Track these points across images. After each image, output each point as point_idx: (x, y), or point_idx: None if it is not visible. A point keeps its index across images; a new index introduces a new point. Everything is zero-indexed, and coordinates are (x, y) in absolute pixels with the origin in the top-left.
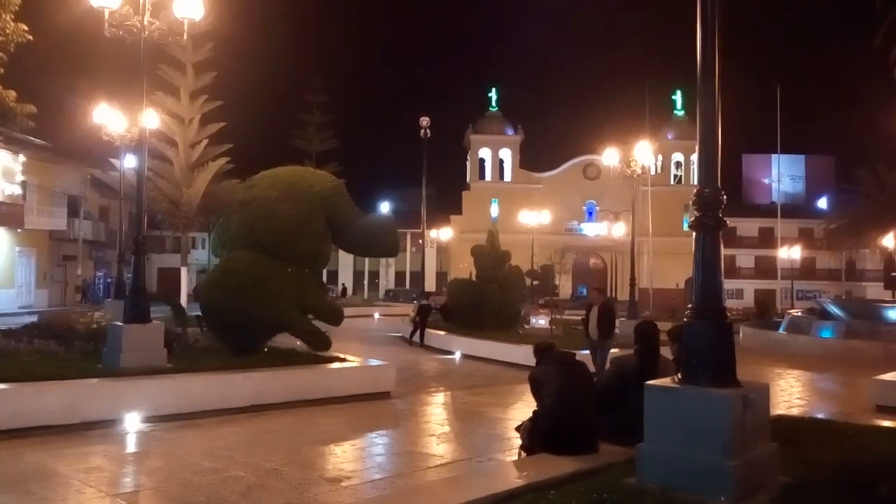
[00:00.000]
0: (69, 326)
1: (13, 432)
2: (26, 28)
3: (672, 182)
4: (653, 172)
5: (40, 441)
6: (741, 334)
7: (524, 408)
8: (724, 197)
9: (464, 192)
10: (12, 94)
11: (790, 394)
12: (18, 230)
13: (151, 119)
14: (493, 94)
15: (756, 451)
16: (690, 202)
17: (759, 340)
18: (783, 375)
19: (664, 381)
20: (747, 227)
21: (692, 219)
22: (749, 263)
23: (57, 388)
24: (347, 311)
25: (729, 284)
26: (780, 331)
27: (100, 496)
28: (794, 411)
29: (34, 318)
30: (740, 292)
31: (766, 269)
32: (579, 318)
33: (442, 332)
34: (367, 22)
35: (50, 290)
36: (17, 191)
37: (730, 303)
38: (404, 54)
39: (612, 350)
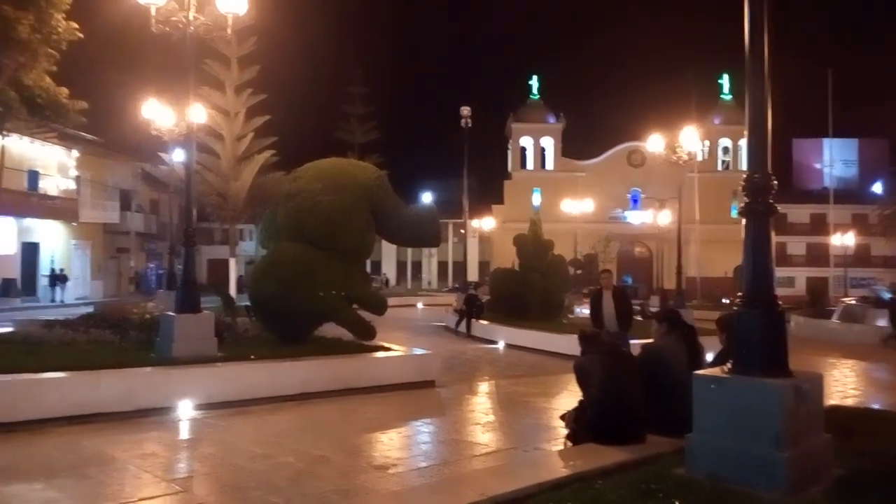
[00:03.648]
0: (124, 317)
1: (72, 419)
2: (77, 26)
3: (719, 168)
4: (699, 158)
5: (98, 428)
6: (793, 323)
7: (569, 397)
8: (775, 182)
9: (505, 182)
10: (64, 91)
11: (844, 384)
12: (74, 224)
13: (198, 113)
14: (533, 82)
15: (809, 442)
16: (739, 188)
17: (811, 330)
18: (837, 365)
19: (714, 371)
20: (798, 213)
21: (741, 205)
22: (800, 251)
23: (113, 377)
24: (391, 300)
25: (780, 272)
26: (834, 320)
27: (155, 481)
28: (849, 401)
29: (90, 309)
30: (792, 280)
31: (818, 256)
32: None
33: (485, 322)
34: (408, 12)
35: (105, 282)
36: (72, 185)
37: (781, 291)
38: (445, 44)
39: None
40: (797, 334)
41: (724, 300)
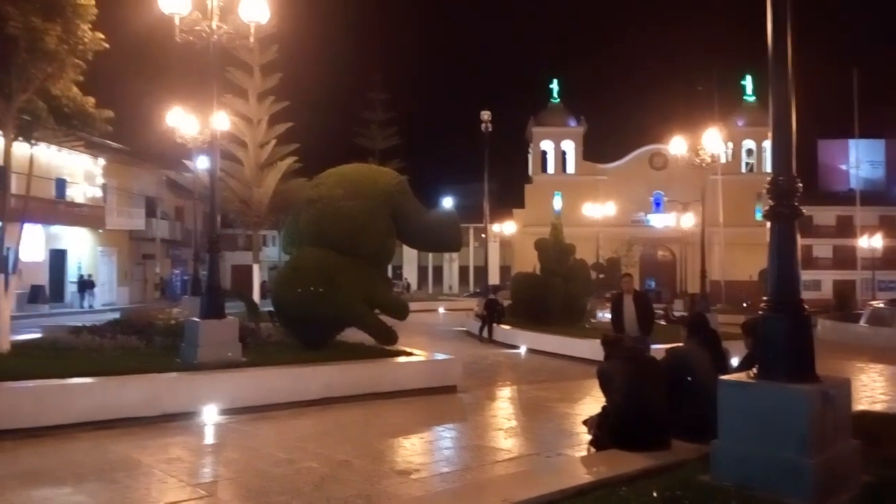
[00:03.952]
0: (149, 322)
1: (99, 424)
2: (103, 37)
3: (743, 170)
4: (723, 161)
5: (124, 432)
6: (819, 327)
7: (592, 403)
8: (800, 184)
9: (526, 186)
10: (91, 100)
11: (873, 389)
12: (100, 231)
13: (222, 121)
14: (554, 86)
15: (837, 448)
16: (764, 191)
17: (838, 333)
18: (865, 370)
19: (739, 376)
20: (824, 215)
21: (766, 208)
22: (827, 253)
23: (139, 382)
24: (412, 305)
25: (806, 275)
26: (861, 323)
27: (181, 485)
28: (878, 407)
29: (117, 315)
30: (818, 284)
31: (845, 259)
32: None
33: (507, 327)
34: (427, 17)
35: (130, 288)
36: (98, 193)
37: (807, 295)
38: (465, 49)
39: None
40: (824, 338)
41: (744, 304)
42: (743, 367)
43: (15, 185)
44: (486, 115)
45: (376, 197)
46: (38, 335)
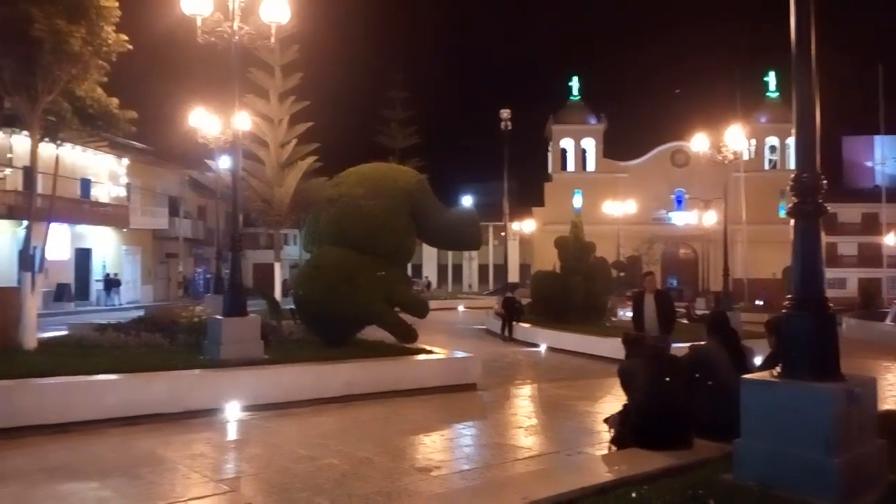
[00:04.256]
0: (173, 320)
1: (124, 420)
2: (126, 38)
3: (766, 167)
4: (745, 158)
5: (149, 428)
6: (844, 326)
7: (613, 402)
8: (825, 181)
9: (546, 184)
10: (115, 101)
11: None
12: (124, 230)
13: (243, 121)
14: (574, 83)
15: (862, 447)
16: (787, 188)
17: (864, 332)
18: (891, 369)
19: (763, 375)
20: (849, 212)
21: (790, 205)
22: (852, 251)
23: (163, 379)
24: (432, 304)
25: (830, 273)
26: (887, 322)
27: (204, 481)
28: None
29: (141, 313)
30: (843, 282)
31: (870, 256)
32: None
33: (527, 325)
34: (446, 15)
35: (154, 286)
36: (122, 192)
37: (831, 293)
38: (484, 47)
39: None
40: (849, 337)
41: (756, 302)
42: (766, 366)
43: (41, 185)
44: (505, 113)
45: (396, 196)
46: (64, 332)
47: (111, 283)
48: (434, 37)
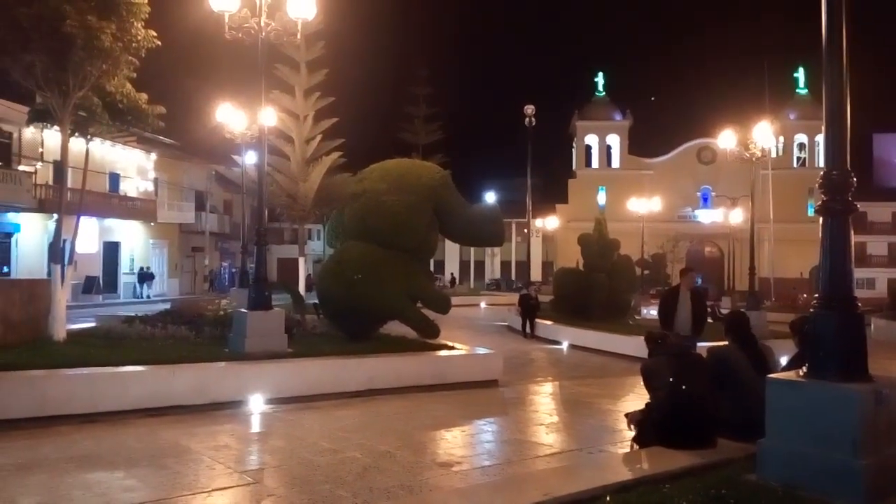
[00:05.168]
0: (198, 313)
1: (150, 411)
2: (155, 34)
3: (795, 165)
4: (773, 155)
5: (174, 419)
6: (873, 326)
7: (635, 400)
8: (854, 179)
9: (570, 181)
10: (144, 96)
11: None
12: (152, 224)
13: (269, 117)
14: (599, 79)
15: (890, 449)
16: (816, 185)
17: (893, 333)
18: None
19: (789, 375)
20: (879, 211)
21: (819, 203)
22: (882, 251)
23: (188, 371)
24: (454, 300)
25: (859, 273)
26: None
27: (228, 472)
28: None
29: (167, 306)
30: (872, 282)
31: None
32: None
33: (549, 322)
34: (471, 11)
35: (181, 279)
36: (150, 187)
37: (860, 293)
38: (509, 43)
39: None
40: (877, 338)
41: (765, 301)
42: (792, 366)
43: (71, 180)
44: (529, 109)
45: (419, 192)
46: (93, 324)
47: (144, 277)
48: (458, 33)
